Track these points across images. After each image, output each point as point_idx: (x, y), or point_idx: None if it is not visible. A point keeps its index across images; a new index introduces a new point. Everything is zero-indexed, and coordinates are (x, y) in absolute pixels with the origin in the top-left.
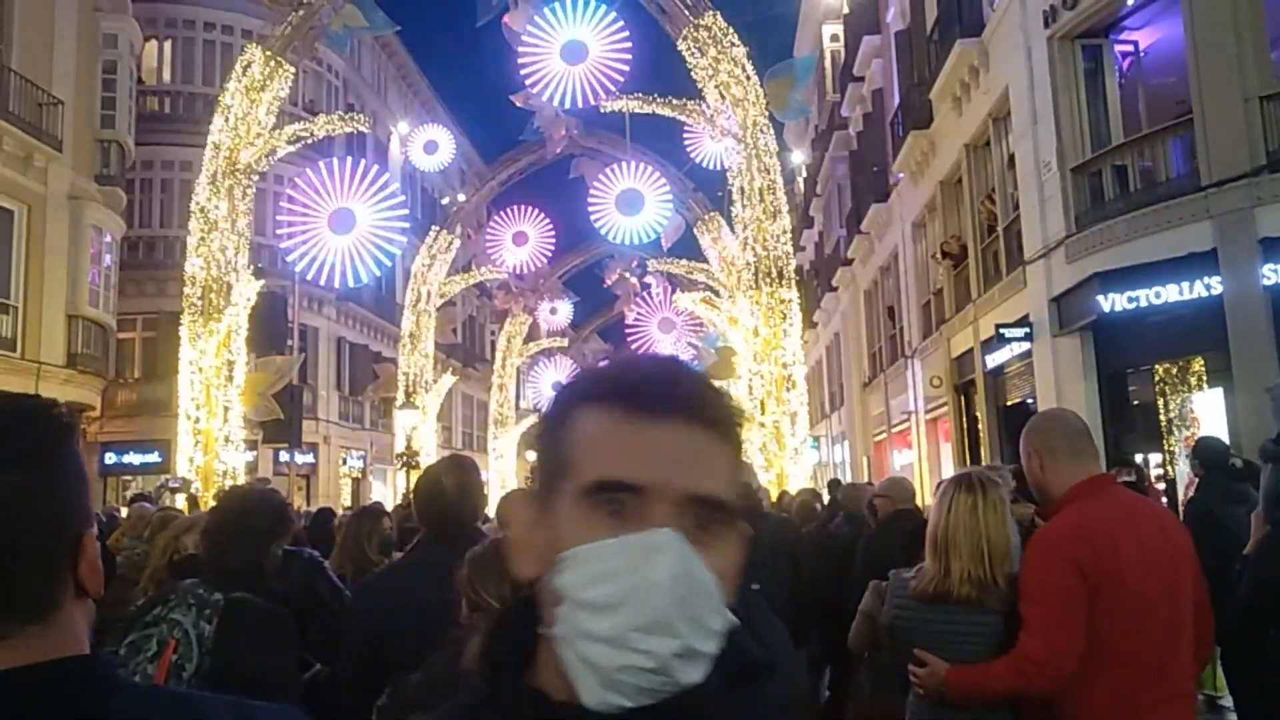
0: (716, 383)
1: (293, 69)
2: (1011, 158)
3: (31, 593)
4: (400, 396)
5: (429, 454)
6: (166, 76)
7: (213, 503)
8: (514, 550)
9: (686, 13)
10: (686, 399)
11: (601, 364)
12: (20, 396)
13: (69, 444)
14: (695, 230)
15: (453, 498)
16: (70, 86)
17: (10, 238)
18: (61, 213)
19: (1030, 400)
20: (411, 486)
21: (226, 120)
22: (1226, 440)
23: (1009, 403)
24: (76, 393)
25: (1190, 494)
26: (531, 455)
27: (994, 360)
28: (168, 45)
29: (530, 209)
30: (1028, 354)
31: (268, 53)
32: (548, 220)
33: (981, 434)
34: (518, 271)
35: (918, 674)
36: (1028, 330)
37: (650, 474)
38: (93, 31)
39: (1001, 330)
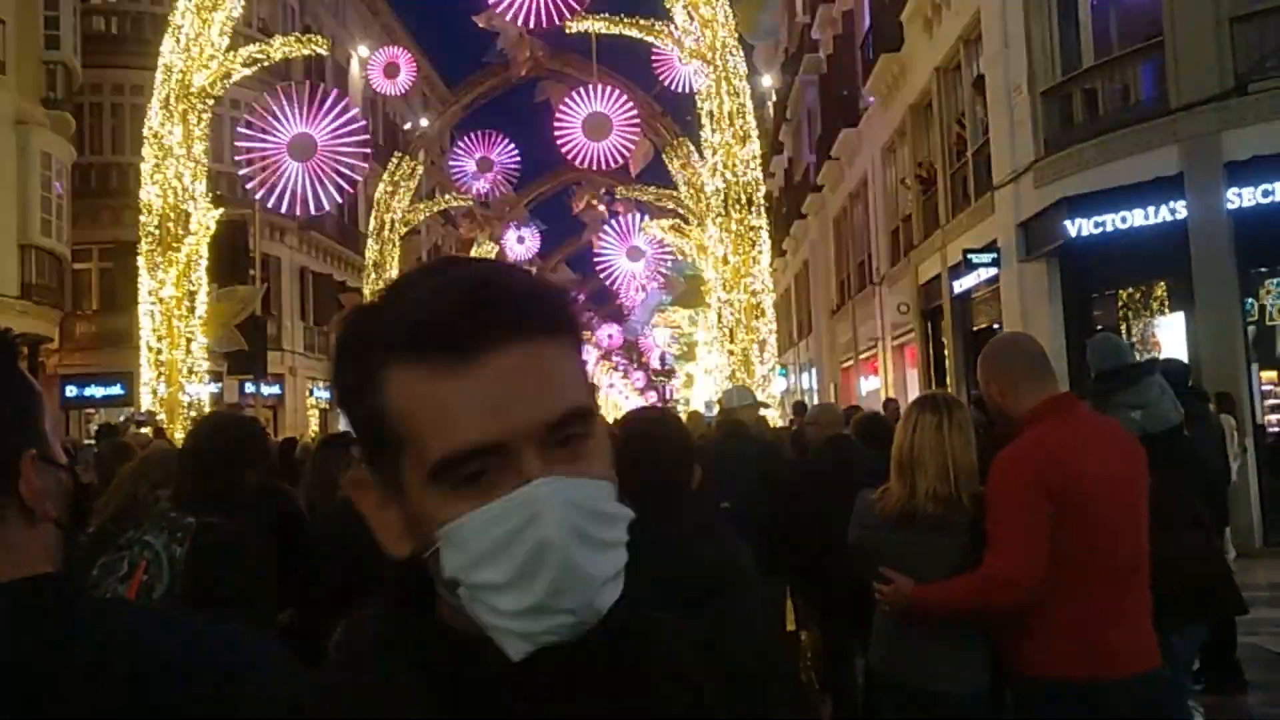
0: (688, 310)
1: None
2: (981, 80)
3: None
4: None
5: None
6: None
7: (181, 434)
8: (378, 534)
9: None
10: (511, 316)
11: (395, 289)
12: None
13: (7, 363)
14: (664, 156)
15: None
16: (10, 4)
17: None
18: (7, 138)
19: (997, 326)
20: None
21: (178, 42)
22: (1186, 363)
23: (975, 328)
24: (33, 324)
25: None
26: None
27: (961, 286)
28: None
29: (495, 134)
30: (995, 280)
31: None
32: (513, 146)
33: (948, 360)
34: (482, 198)
35: (884, 591)
36: (995, 256)
37: (499, 425)
38: None
39: (969, 256)
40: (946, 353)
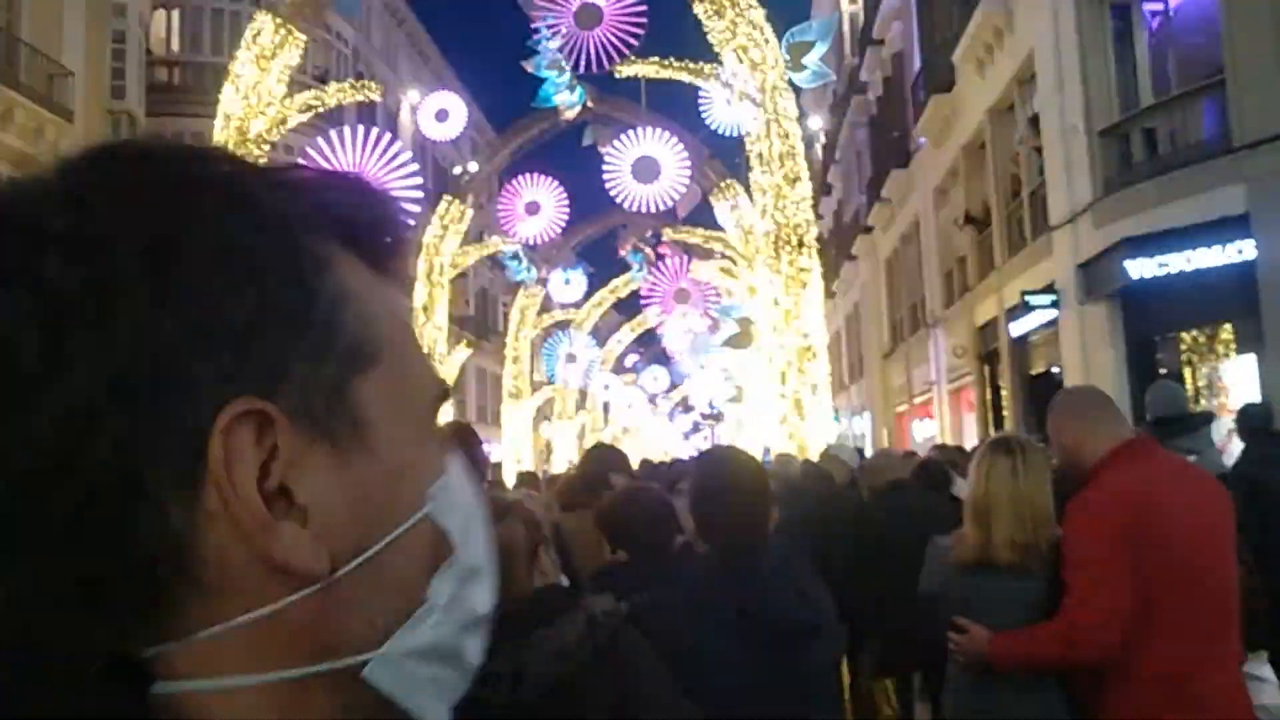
0: (737, 352)
1: (303, 37)
2: (1036, 120)
3: None
4: None
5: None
6: (175, 46)
7: None
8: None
9: None
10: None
11: (291, 172)
12: None
13: None
14: (711, 198)
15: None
16: (80, 57)
17: None
18: None
19: (1056, 370)
20: None
21: (237, 90)
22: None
23: (1034, 372)
24: None
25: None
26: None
27: (1019, 329)
28: (175, 15)
29: (543, 177)
30: (1054, 322)
31: (277, 20)
32: (561, 189)
33: (1005, 404)
34: (531, 242)
35: (959, 641)
36: (1054, 298)
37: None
38: (101, 1)
39: (1027, 298)
40: (1004, 397)
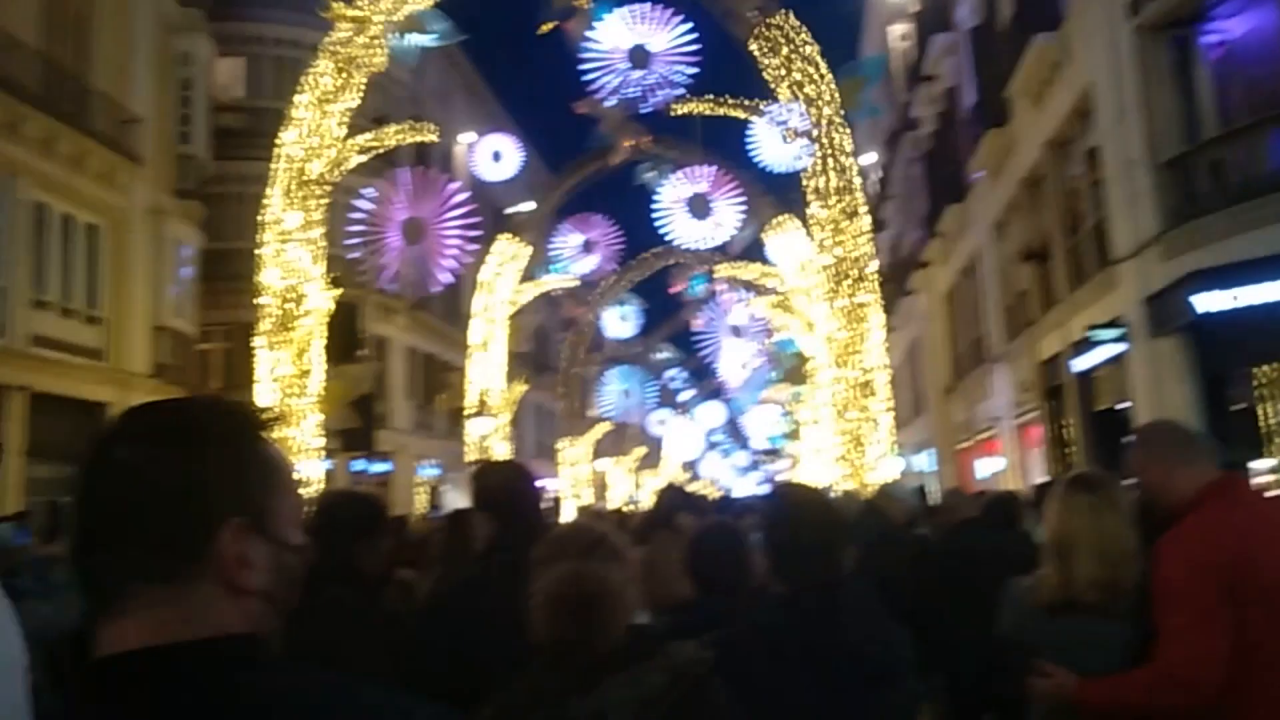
0: (793, 388)
1: (362, 81)
2: (1097, 153)
3: (148, 557)
4: (471, 405)
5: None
6: (240, 92)
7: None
8: None
9: (757, 13)
10: None
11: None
12: (209, 397)
13: (237, 434)
14: (765, 234)
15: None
16: (149, 104)
17: (97, 252)
18: (143, 227)
19: (1124, 405)
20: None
21: (298, 133)
22: None
23: (1100, 408)
24: None
25: None
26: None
27: (1084, 364)
28: (240, 61)
29: (597, 216)
30: (1121, 357)
31: (337, 65)
32: (614, 226)
33: (1072, 440)
34: (584, 279)
35: (1042, 686)
36: (1121, 333)
37: None
38: (169, 49)
39: (1092, 333)
40: (1071, 433)
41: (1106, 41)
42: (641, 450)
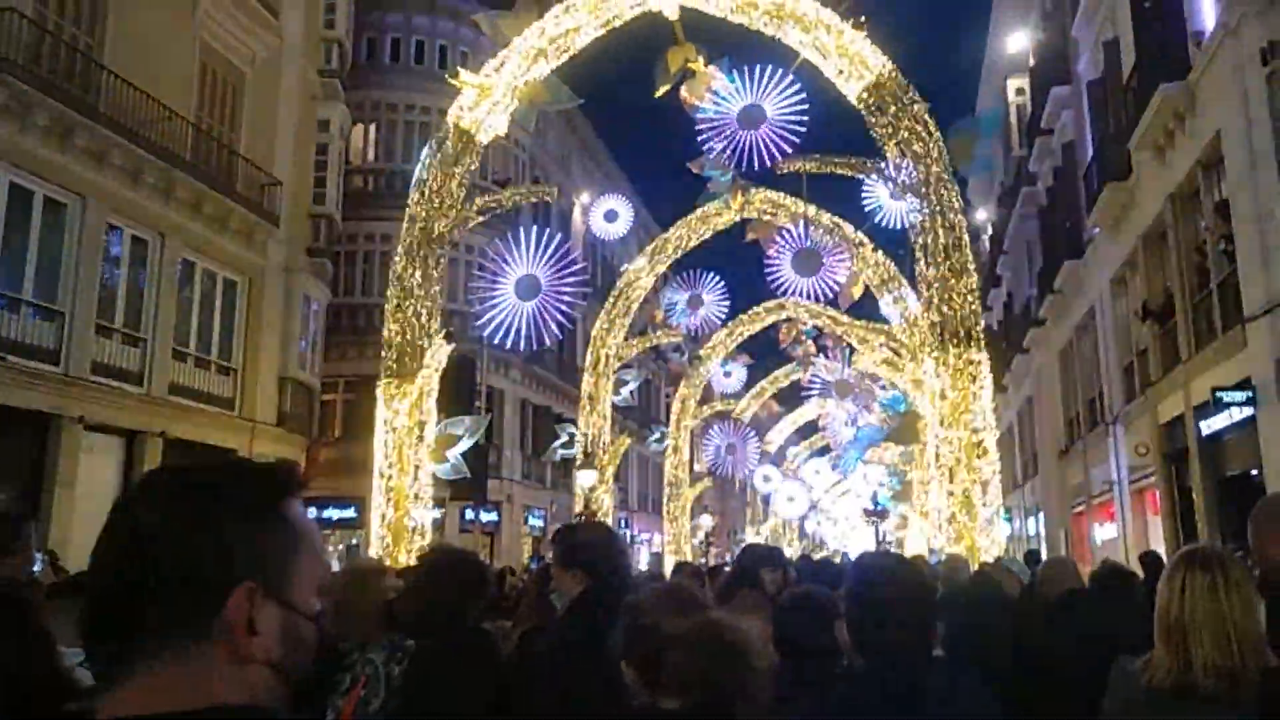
0: (901, 447)
1: (483, 145)
2: (1226, 206)
3: (155, 619)
4: (579, 457)
5: (606, 514)
6: (371, 156)
7: (405, 557)
8: None
9: (866, 74)
10: None
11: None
12: (238, 460)
13: (258, 498)
14: (874, 290)
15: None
16: (288, 168)
17: (234, 307)
18: (276, 283)
19: (1256, 472)
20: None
21: (422, 194)
22: None
23: (1229, 474)
24: (285, 450)
25: None
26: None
27: (1210, 427)
28: (373, 128)
29: (704, 272)
30: (1251, 420)
31: (460, 130)
32: (721, 282)
33: (1197, 507)
34: (693, 334)
35: None
36: (1250, 394)
37: None
38: (311, 118)
39: (1219, 394)
40: (1195, 500)
41: (1237, 90)
42: (747, 509)
